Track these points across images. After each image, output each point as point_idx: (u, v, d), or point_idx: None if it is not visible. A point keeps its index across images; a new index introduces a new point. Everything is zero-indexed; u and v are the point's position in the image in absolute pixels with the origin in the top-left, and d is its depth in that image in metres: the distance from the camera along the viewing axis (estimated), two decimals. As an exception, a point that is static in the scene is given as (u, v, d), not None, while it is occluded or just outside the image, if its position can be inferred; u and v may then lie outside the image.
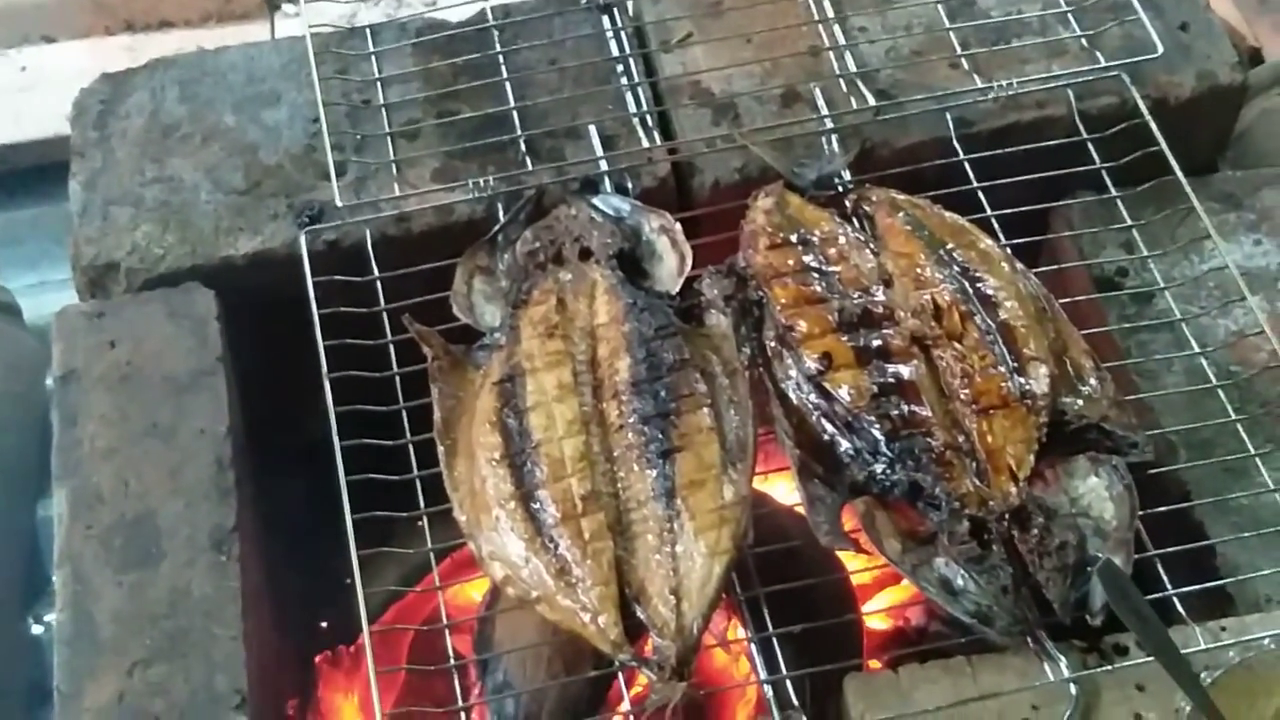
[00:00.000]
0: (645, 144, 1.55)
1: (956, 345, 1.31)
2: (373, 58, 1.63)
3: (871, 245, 1.40)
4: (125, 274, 1.49)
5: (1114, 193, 1.51)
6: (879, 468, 1.25)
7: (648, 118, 1.57)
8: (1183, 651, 1.16)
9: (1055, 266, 1.51)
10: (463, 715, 1.24)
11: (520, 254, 1.43)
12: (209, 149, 1.58)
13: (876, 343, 1.31)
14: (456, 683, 1.24)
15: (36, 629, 1.67)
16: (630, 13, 1.69)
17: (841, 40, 1.63)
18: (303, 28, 1.64)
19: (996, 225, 1.45)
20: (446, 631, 1.27)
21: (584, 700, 1.33)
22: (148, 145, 1.59)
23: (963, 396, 1.28)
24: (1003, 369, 1.29)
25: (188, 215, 1.52)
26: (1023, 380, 1.28)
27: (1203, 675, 1.15)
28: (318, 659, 1.55)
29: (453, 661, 1.26)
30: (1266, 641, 1.19)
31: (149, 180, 1.55)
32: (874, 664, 1.44)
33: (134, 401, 1.41)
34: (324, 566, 1.53)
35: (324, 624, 1.59)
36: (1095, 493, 1.24)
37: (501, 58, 1.62)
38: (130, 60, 1.71)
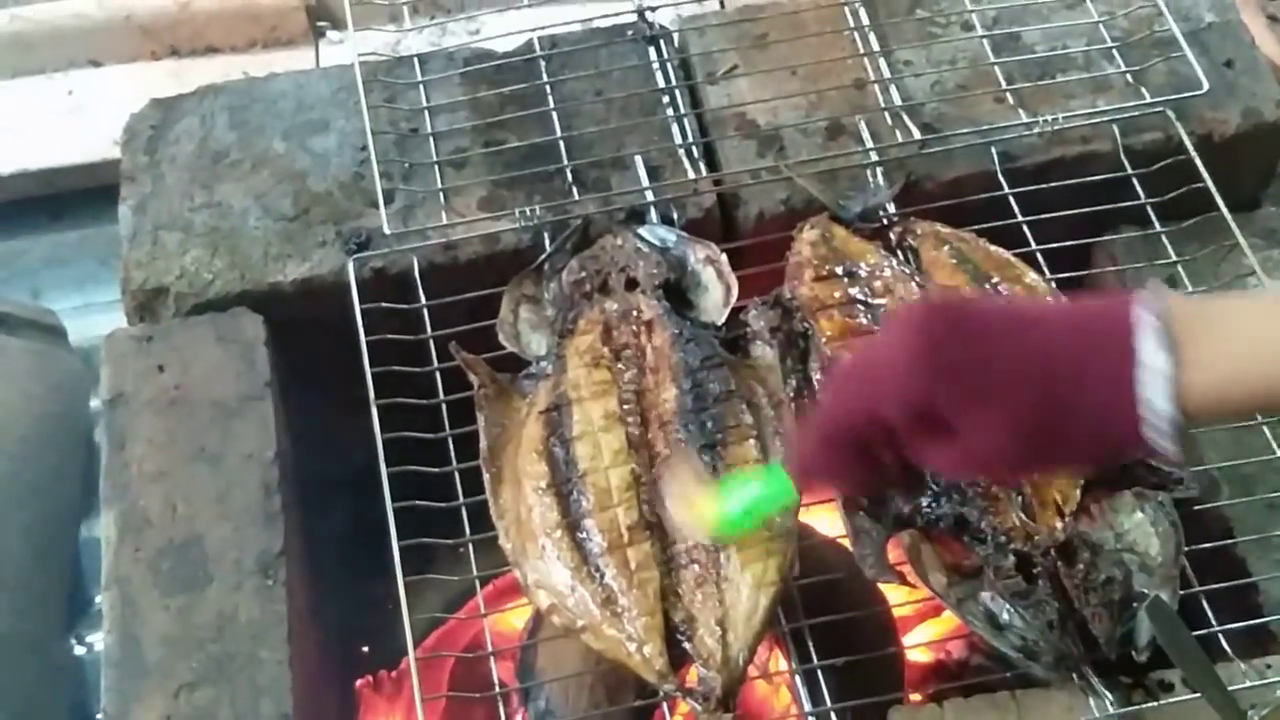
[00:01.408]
0: (691, 175, 1.56)
1: (1002, 379, 1.31)
2: (421, 86, 1.64)
3: (917, 278, 1.40)
4: (174, 298, 1.51)
5: (1158, 228, 1.51)
6: (924, 501, 1.26)
7: (693, 149, 1.58)
8: (1230, 689, 1.15)
9: (1098, 301, 1.51)
10: (505, 742, 1.25)
11: (566, 283, 1.44)
12: (258, 175, 1.59)
13: (922, 376, 1.31)
14: (502, 710, 1.25)
15: (79, 650, 1.68)
16: (676, 44, 1.70)
17: (886, 74, 1.63)
18: (349, 55, 1.65)
19: (1041, 259, 1.45)
20: (492, 659, 1.27)
21: (626, 729, 1.34)
22: (197, 171, 1.60)
23: (1009, 431, 1.28)
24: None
25: (236, 241, 1.53)
26: (1068, 416, 1.28)
27: (1249, 713, 1.14)
28: (359, 684, 1.56)
29: (498, 689, 1.27)
30: (1313, 680, 1.19)
31: (198, 206, 1.57)
32: (915, 697, 1.44)
33: (182, 425, 1.42)
34: (363, 591, 1.54)
35: (365, 649, 1.60)
36: (1141, 528, 1.24)
37: (548, 88, 1.63)
38: (176, 85, 1.72)
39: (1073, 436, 0.91)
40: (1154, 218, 1.52)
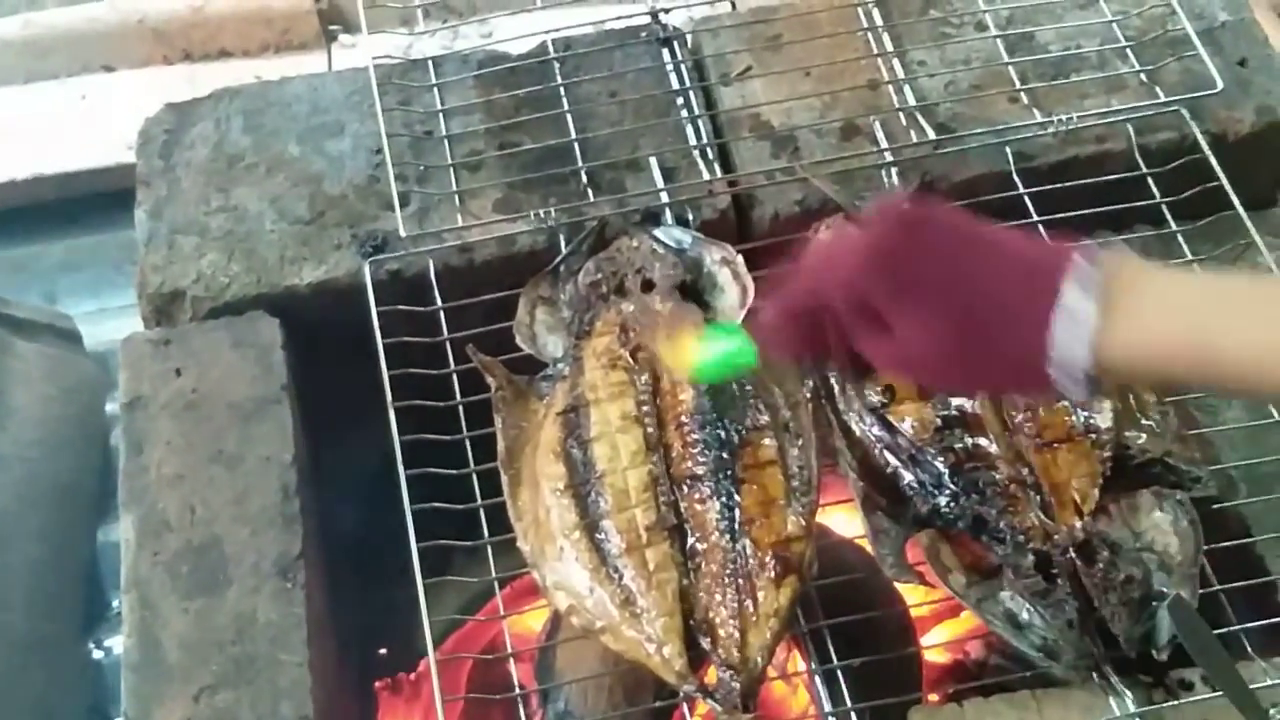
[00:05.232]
0: (706, 176, 1.56)
1: (1019, 379, 1.31)
2: (435, 89, 1.64)
3: (933, 278, 1.40)
4: (191, 302, 1.51)
5: (1174, 227, 1.51)
6: (943, 501, 1.26)
7: (708, 150, 1.58)
8: (1251, 687, 1.15)
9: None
10: (525, 744, 1.25)
11: (583, 285, 1.44)
12: (273, 179, 1.59)
13: (939, 376, 1.31)
14: (522, 712, 1.25)
15: (96, 653, 1.68)
16: (690, 46, 1.70)
17: (900, 74, 1.63)
18: (362, 59, 1.65)
19: (1057, 259, 1.45)
20: (511, 660, 1.28)
21: (645, 730, 1.34)
22: (213, 175, 1.60)
23: (1026, 430, 1.28)
24: (1066, 403, 1.29)
25: (253, 244, 1.54)
26: (1086, 414, 1.29)
27: (1271, 712, 1.14)
28: (377, 686, 1.56)
29: (518, 690, 1.27)
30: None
31: (214, 209, 1.57)
32: (932, 698, 1.44)
33: (200, 429, 1.42)
34: (378, 593, 1.53)
35: (383, 651, 1.60)
36: (1160, 527, 1.24)
37: (563, 90, 1.63)
38: (189, 90, 1.72)
39: (989, 357, 0.93)
40: (1169, 217, 1.51)
